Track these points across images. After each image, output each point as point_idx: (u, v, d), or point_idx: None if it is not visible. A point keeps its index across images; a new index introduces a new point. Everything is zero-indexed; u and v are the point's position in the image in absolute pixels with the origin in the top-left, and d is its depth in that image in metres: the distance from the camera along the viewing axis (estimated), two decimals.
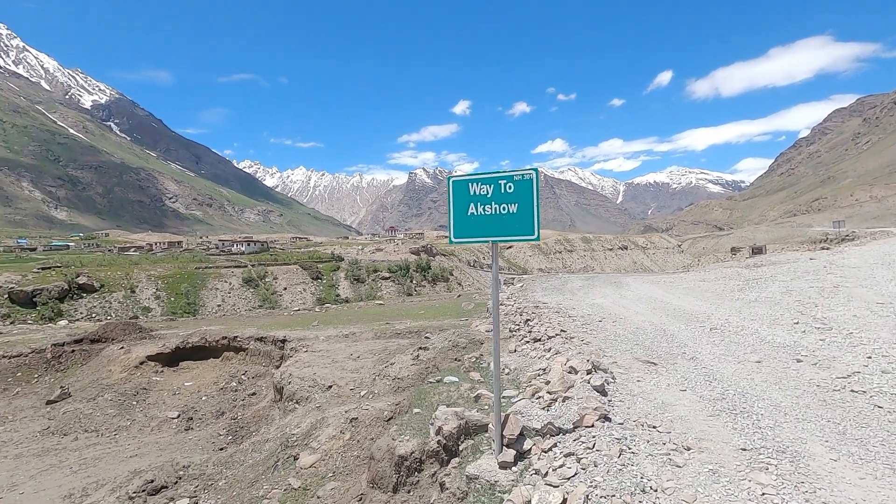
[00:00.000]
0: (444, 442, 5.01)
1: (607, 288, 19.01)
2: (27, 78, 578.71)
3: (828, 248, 26.55)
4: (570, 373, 6.00)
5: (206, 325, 21.26)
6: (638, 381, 6.00)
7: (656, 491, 3.23)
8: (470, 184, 4.42)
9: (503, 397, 6.51)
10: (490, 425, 4.88)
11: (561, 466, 3.73)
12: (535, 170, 4.22)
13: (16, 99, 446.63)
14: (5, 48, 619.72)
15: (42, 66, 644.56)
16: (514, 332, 10.05)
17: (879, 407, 4.57)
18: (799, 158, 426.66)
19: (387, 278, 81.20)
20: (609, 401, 5.13)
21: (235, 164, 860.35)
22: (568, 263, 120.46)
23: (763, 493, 3.16)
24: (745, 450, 3.82)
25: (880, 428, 4.12)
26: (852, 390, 5.07)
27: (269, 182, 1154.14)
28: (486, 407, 6.10)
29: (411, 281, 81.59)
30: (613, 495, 3.14)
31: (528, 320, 10.30)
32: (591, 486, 3.28)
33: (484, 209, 4.36)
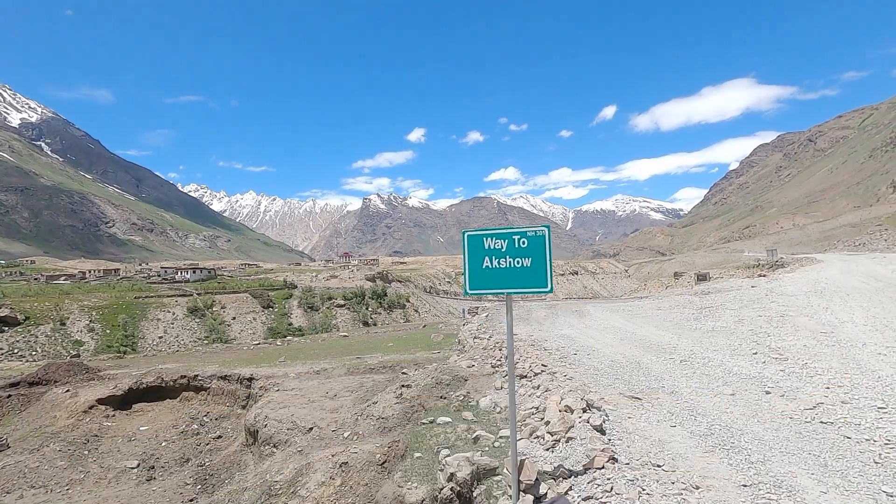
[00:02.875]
0: (458, 489, 5.09)
1: (571, 317, 19.67)
2: None
3: (765, 276, 28.74)
4: (566, 412, 6.25)
5: (161, 362, 20.05)
6: (629, 417, 6.33)
7: None
8: (485, 238, 4.67)
9: (500, 437, 6.67)
10: (506, 469, 5.02)
11: None
12: (547, 227, 4.53)
13: None
14: None
15: None
16: (496, 368, 10.27)
17: (848, 438, 5.09)
18: (730, 189, 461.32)
19: (342, 306, 79.66)
20: (609, 440, 5.40)
21: (180, 188, 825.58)
22: None
23: None
24: (745, 486, 4.18)
25: (854, 458, 4.60)
26: (821, 422, 5.61)
27: (216, 207, 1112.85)
28: (488, 448, 6.23)
29: (367, 308, 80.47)
30: None
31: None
32: None
33: (499, 262, 4.61)
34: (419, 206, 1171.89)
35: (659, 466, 4.64)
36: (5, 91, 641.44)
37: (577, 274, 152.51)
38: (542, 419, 6.51)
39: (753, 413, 6.12)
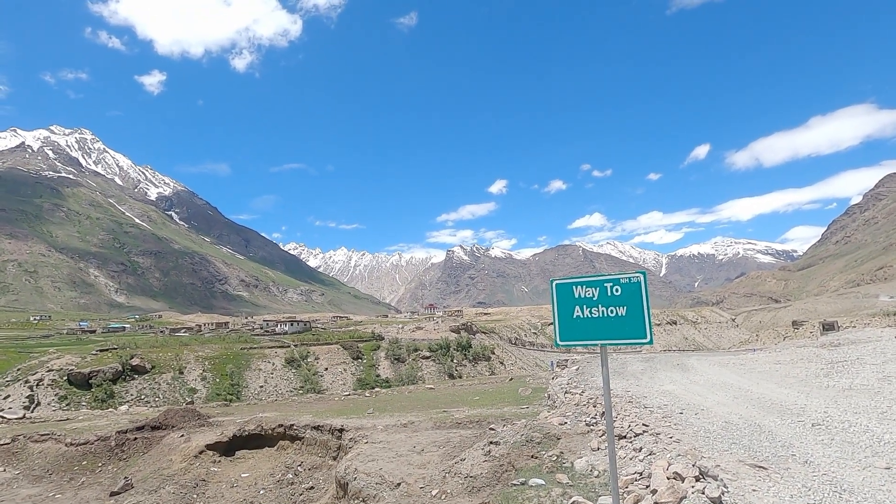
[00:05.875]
0: None
1: (673, 372, 18.04)
2: (104, 175, 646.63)
3: None
4: (675, 479, 5.58)
5: (261, 411, 21.26)
6: (753, 490, 5.48)
7: None
8: (574, 286, 4.49)
9: None
10: None
11: None
12: (643, 272, 4.27)
13: (92, 194, 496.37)
14: (89, 150, 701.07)
15: (117, 165, 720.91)
16: (591, 427, 9.56)
17: None
18: (854, 225, 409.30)
19: (427, 357, 79.96)
20: None
21: (282, 247, 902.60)
22: None
23: None
24: None
25: None
26: None
27: (312, 263, 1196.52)
28: None
29: (452, 360, 79.96)
30: None
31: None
32: None
33: (590, 312, 4.38)
34: (502, 257, 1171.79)
35: None
36: (147, 171, 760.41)
37: (675, 324, 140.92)
38: (648, 487, 5.86)
39: None
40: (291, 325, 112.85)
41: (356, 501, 10.20)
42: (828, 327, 35.06)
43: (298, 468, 15.23)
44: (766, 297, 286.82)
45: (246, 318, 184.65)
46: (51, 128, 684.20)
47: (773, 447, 7.07)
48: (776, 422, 8.63)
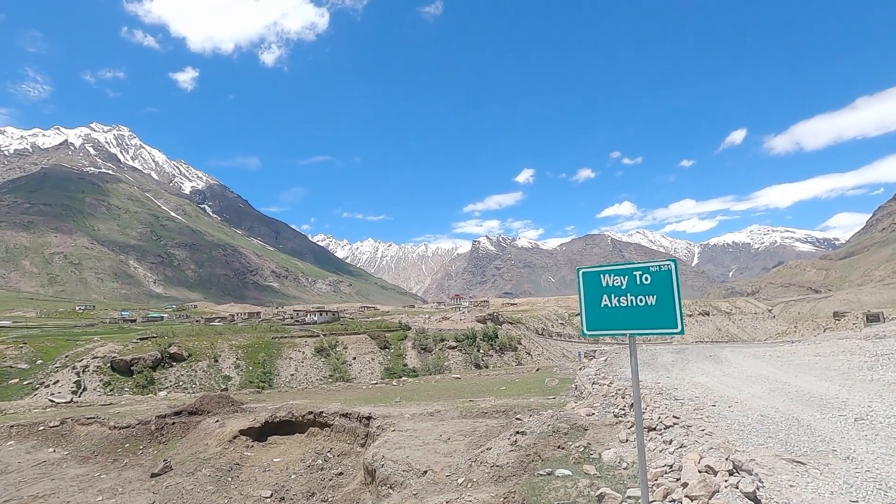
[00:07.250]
0: None
1: (705, 363, 17.57)
2: (141, 170, 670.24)
3: None
4: (708, 473, 5.43)
5: (292, 398, 21.81)
6: (791, 485, 5.29)
7: None
8: (602, 275, 4.38)
9: (628, 497, 5.98)
10: None
11: None
12: (674, 260, 4.13)
13: (130, 189, 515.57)
14: (126, 146, 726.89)
15: (153, 160, 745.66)
16: (619, 418, 9.41)
17: None
18: None
19: (454, 347, 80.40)
20: None
21: (310, 238, 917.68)
22: None
23: None
24: None
25: None
26: None
27: (340, 254, 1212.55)
28: None
29: (478, 350, 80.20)
30: None
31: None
32: None
33: (619, 301, 4.27)
34: (528, 247, 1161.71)
35: None
36: (181, 165, 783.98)
37: (708, 314, 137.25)
38: (678, 480, 5.73)
39: None
40: (320, 315, 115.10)
41: (384, 488, 10.36)
42: (872, 318, 33.46)
43: (328, 454, 15.56)
44: (805, 287, 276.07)
45: (277, 308, 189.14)
46: (91, 125, 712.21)
47: (812, 442, 6.81)
48: (816, 416, 8.30)
